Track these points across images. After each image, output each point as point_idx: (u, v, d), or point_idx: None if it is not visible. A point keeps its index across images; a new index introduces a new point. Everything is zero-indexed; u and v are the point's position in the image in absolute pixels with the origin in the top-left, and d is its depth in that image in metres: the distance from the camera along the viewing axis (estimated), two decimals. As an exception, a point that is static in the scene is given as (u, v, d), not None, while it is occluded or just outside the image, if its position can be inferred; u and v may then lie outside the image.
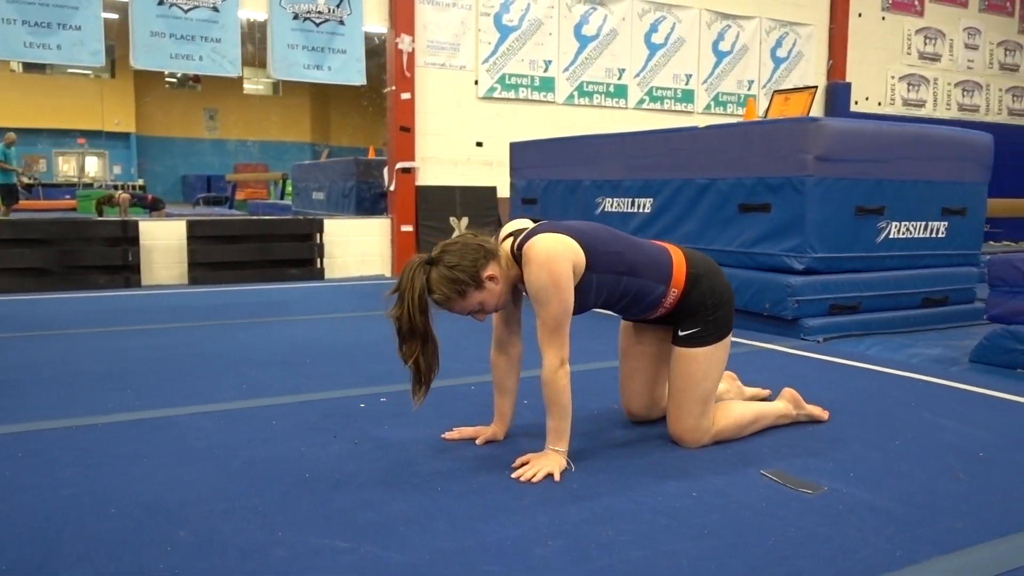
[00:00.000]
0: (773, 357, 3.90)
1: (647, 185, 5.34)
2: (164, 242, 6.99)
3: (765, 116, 5.29)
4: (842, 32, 10.05)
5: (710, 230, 4.86)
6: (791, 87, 5.37)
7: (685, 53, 9.29)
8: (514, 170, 6.78)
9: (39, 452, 2.38)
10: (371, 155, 10.77)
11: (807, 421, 2.72)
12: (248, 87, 17.10)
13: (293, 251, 7.39)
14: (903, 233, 4.63)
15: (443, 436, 2.54)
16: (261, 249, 7.20)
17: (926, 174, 4.65)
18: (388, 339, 4.22)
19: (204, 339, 4.21)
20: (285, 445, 2.45)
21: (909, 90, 10.68)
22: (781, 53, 9.88)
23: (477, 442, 2.50)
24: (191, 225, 6.99)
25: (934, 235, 4.76)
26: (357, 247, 7.87)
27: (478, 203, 8.32)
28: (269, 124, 18.47)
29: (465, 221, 8.19)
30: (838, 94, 10.04)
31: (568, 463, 2.25)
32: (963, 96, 11.09)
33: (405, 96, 7.82)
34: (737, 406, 2.60)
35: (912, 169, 4.58)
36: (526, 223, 2.48)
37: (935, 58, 10.85)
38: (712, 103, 9.49)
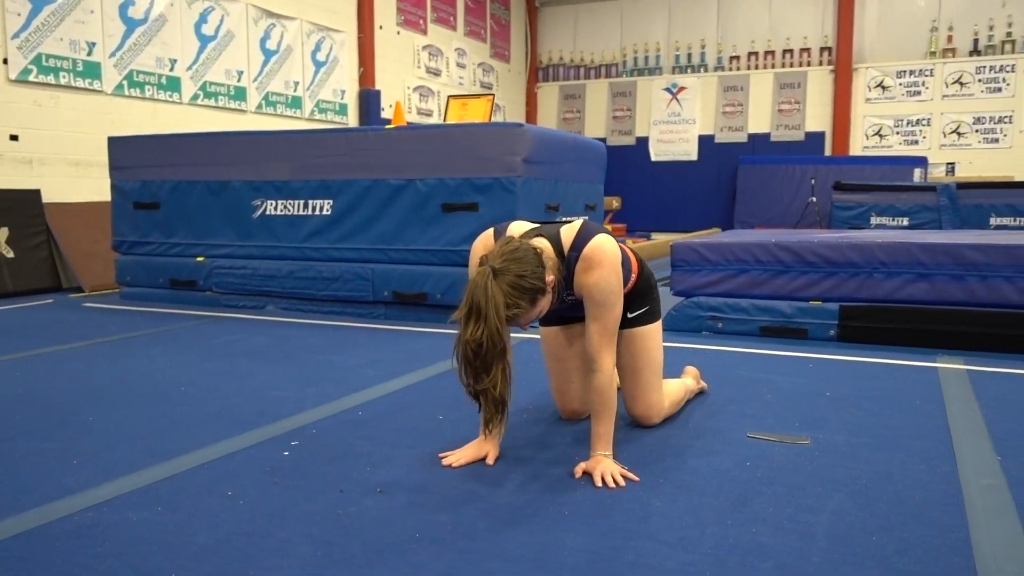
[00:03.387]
0: (530, 344, 4.18)
1: (324, 186, 5.10)
2: None
3: (444, 120, 5.48)
4: (369, 42, 10.62)
5: (410, 230, 4.89)
6: (467, 94, 5.63)
7: (235, 48, 8.82)
8: (117, 170, 5.76)
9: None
10: None
11: (698, 393, 3.09)
12: None
13: None
14: (568, 227, 5.30)
15: (452, 464, 2.27)
16: None
17: (577, 176, 5.40)
18: (143, 377, 3.45)
19: None
20: (308, 517, 1.93)
21: (421, 100, 11.78)
22: (321, 57, 10.02)
23: (488, 462, 2.30)
24: None
25: (580, 228, 5.55)
26: None
27: (20, 209, 6.76)
28: None
29: (5, 232, 6.60)
30: (370, 100, 10.59)
31: (621, 465, 2.24)
32: (458, 108, 12.64)
33: (-88, 72, 5.97)
34: (672, 382, 2.85)
35: (570, 171, 5.28)
36: (527, 224, 2.37)
37: (437, 73, 12.15)
38: (263, 103, 9.19)
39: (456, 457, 2.30)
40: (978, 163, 11.96)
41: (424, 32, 11.81)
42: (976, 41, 11.96)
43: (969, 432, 2.58)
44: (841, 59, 12.55)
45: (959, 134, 12.10)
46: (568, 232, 2.27)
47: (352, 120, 10.37)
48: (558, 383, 2.72)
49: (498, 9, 13.69)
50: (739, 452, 2.40)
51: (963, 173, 11.96)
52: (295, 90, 9.66)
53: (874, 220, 10.24)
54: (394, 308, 4.95)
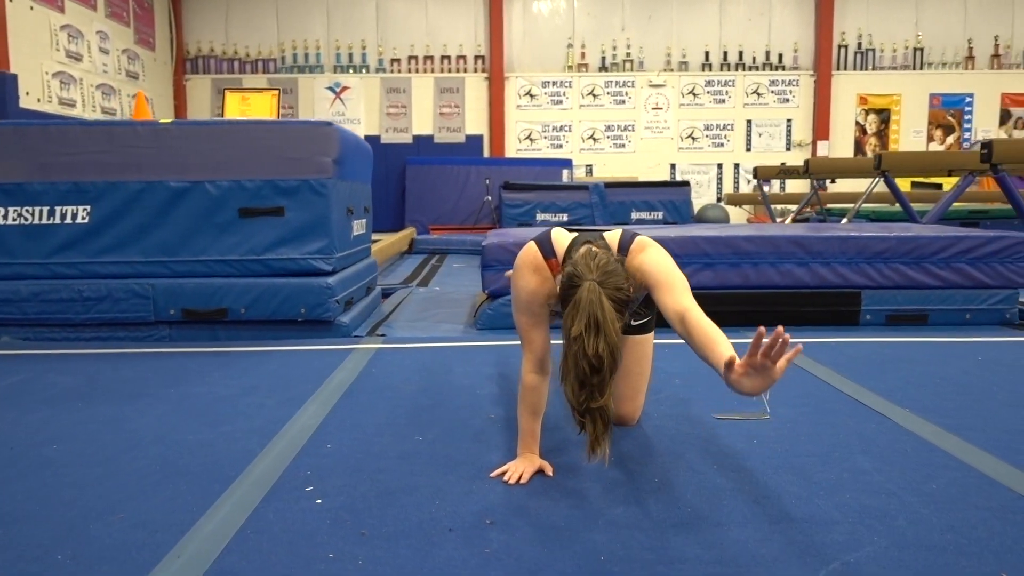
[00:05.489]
0: (386, 354, 3.97)
1: (78, 189, 4.26)
2: None
3: (221, 115, 4.85)
4: (1, 17, 8.91)
5: (199, 239, 4.31)
6: (248, 87, 4.93)
7: None
8: None
9: None
10: None
11: None
12: None
13: None
14: (360, 230, 5.09)
15: (521, 481, 2.16)
16: None
17: (359, 176, 5.19)
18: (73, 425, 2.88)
19: None
20: (461, 562, 1.72)
21: (62, 88, 10.17)
22: (-60, 30, 8.18)
23: (548, 473, 2.23)
24: None
25: (359, 232, 5.35)
26: None
27: None
28: None
29: None
30: (5, 86, 8.87)
31: None
32: (103, 99, 11.13)
33: None
34: None
35: (356, 172, 5.06)
36: (567, 233, 2.32)
37: (79, 58, 10.57)
38: None
39: (518, 475, 2.19)
40: (610, 165, 13.73)
41: (61, 10, 10.22)
42: (604, 59, 13.71)
43: (860, 393, 3.10)
44: (494, 68, 13.50)
45: (594, 139, 13.77)
46: (612, 239, 2.28)
47: None
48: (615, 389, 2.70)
49: (139, -10, 12.32)
50: (735, 433, 2.61)
51: (599, 174, 13.64)
52: (-90, 69, 7.77)
53: (539, 216, 11.25)
54: (182, 328, 4.33)
